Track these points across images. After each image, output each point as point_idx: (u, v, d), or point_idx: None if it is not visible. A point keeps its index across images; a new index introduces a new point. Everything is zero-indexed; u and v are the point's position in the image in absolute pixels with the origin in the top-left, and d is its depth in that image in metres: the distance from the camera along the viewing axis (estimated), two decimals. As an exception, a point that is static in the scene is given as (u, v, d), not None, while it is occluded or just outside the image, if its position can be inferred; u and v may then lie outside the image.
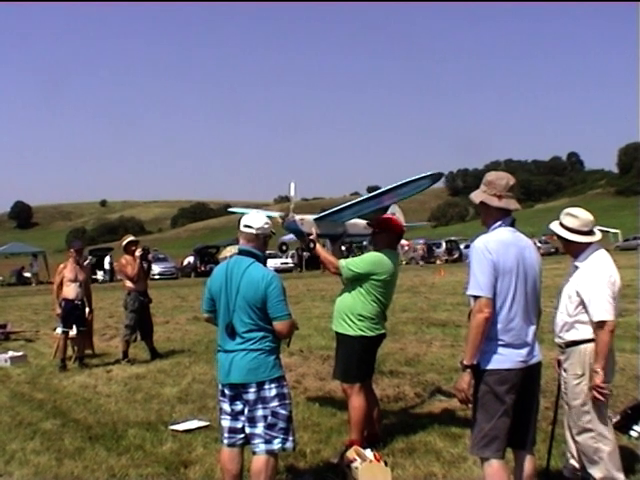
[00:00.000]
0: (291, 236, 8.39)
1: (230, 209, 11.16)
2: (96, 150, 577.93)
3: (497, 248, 4.66)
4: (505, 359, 4.65)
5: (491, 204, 4.81)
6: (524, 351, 4.71)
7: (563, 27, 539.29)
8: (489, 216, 4.87)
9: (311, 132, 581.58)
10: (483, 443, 4.68)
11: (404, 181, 6.74)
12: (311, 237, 7.17)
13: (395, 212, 9.09)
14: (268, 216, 7.69)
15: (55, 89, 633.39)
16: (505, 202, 4.80)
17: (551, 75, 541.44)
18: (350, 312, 6.71)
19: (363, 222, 7.90)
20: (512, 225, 4.85)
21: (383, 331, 6.88)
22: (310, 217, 7.57)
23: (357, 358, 6.71)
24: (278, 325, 5.23)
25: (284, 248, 9.10)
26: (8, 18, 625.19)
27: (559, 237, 5.53)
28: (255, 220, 5.43)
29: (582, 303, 5.34)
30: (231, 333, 5.22)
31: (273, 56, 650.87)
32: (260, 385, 5.15)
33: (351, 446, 6.37)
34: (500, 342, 4.65)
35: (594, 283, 5.33)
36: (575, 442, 5.54)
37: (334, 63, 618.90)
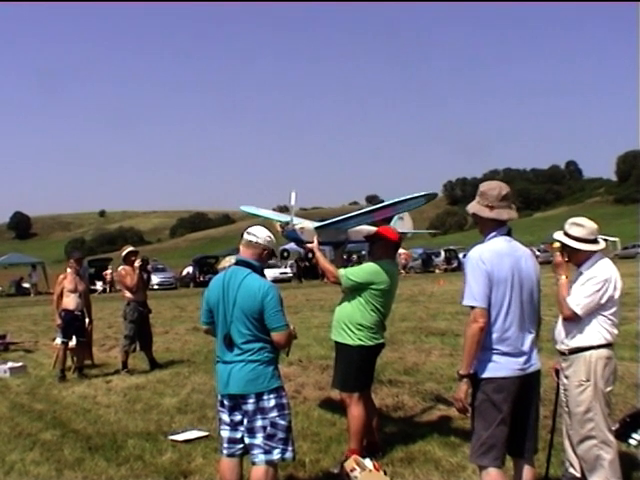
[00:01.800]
0: (293, 245, 8.41)
1: (242, 207, 10.95)
2: (95, 160, 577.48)
3: (491, 258, 4.68)
4: (501, 367, 4.67)
5: (483, 215, 4.84)
6: (521, 359, 4.73)
7: (562, 34, 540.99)
8: (484, 226, 4.90)
9: (310, 142, 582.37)
10: (481, 451, 4.69)
11: (401, 199, 6.81)
12: (310, 246, 7.18)
13: (403, 217, 9.14)
14: (272, 219, 7.73)
15: (53, 99, 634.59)
16: (497, 213, 4.81)
17: (549, 83, 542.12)
18: (349, 321, 6.72)
19: (366, 228, 7.91)
20: (508, 234, 4.88)
21: (382, 341, 6.88)
22: (311, 226, 7.59)
23: (356, 367, 6.71)
24: (276, 336, 5.24)
25: (285, 255, 9.11)
26: (2, 20, 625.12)
27: (565, 246, 5.56)
28: (260, 231, 5.47)
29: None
30: (229, 344, 5.24)
31: (272, 66, 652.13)
32: (259, 396, 5.17)
33: (350, 455, 6.38)
34: (496, 351, 4.68)
35: (587, 281, 5.39)
36: (575, 450, 5.56)
37: (332, 72, 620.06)
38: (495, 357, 4.68)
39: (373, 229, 7.42)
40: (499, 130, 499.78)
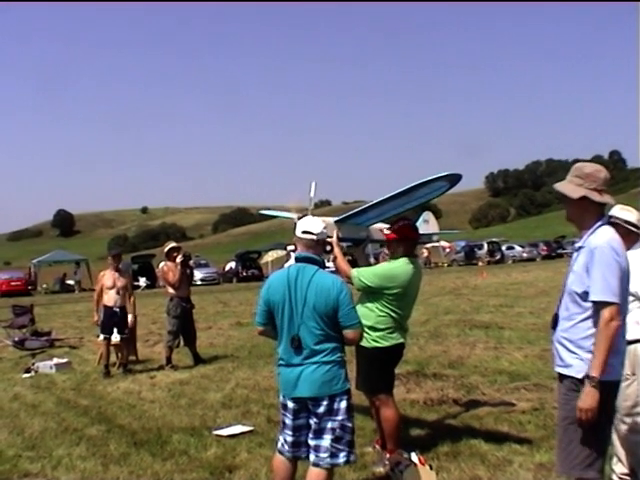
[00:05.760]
0: None
1: (262, 211, 10.94)
2: (137, 157, 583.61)
3: (620, 249, 4.27)
4: (615, 370, 4.28)
5: (595, 199, 4.33)
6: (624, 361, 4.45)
7: (601, 24, 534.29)
8: (587, 213, 4.37)
9: (350, 137, 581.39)
10: (588, 462, 4.22)
11: (419, 182, 6.57)
12: (329, 240, 7.00)
13: (428, 219, 8.92)
14: (285, 217, 7.54)
15: (92, 98, 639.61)
16: (607, 197, 4.39)
17: (591, 72, 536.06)
18: (364, 323, 6.52)
19: (382, 226, 7.71)
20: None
21: (401, 340, 6.61)
22: (330, 219, 7.43)
23: (376, 370, 6.57)
24: (350, 333, 5.08)
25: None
26: (34, 22, 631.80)
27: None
28: (314, 225, 5.24)
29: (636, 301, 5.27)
30: (298, 346, 5.01)
31: (312, 66, 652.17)
32: (332, 398, 5.00)
33: (390, 454, 6.32)
34: (617, 351, 4.27)
35: None
36: (623, 445, 5.46)
37: (368, 72, 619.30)
38: (614, 359, 4.24)
39: (386, 227, 7.21)
40: (541, 121, 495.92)
